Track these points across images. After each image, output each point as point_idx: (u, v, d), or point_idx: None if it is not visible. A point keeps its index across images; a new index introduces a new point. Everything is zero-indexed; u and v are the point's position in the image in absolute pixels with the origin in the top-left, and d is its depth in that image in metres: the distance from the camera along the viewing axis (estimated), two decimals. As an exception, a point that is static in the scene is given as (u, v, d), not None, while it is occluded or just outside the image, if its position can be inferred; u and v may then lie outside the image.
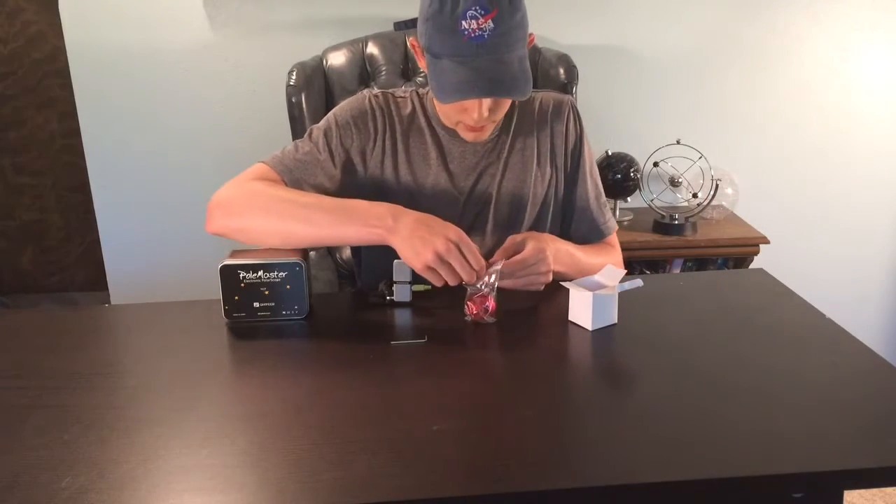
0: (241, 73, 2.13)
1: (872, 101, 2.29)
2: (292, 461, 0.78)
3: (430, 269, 1.07)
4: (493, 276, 1.11)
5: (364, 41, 1.76)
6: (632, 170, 2.13)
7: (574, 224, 1.40)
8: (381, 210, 1.11)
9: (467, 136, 1.27)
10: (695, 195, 2.13)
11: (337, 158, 1.27)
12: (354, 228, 1.11)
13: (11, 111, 3.03)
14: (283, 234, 1.15)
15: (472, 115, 1.18)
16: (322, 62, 1.74)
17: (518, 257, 1.16)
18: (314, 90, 1.68)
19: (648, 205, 2.15)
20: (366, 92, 1.33)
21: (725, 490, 0.77)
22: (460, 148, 1.31)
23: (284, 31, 2.09)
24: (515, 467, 0.77)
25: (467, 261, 1.07)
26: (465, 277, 1.07)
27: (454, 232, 1.08)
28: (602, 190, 1.41)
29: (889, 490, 2.09)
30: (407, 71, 1.76)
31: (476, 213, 1.33)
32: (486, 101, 1.15)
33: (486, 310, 1.10)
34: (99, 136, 2.15)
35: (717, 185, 2.11)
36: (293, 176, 1.23)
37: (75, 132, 2.43)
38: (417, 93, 1.34)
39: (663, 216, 2.11)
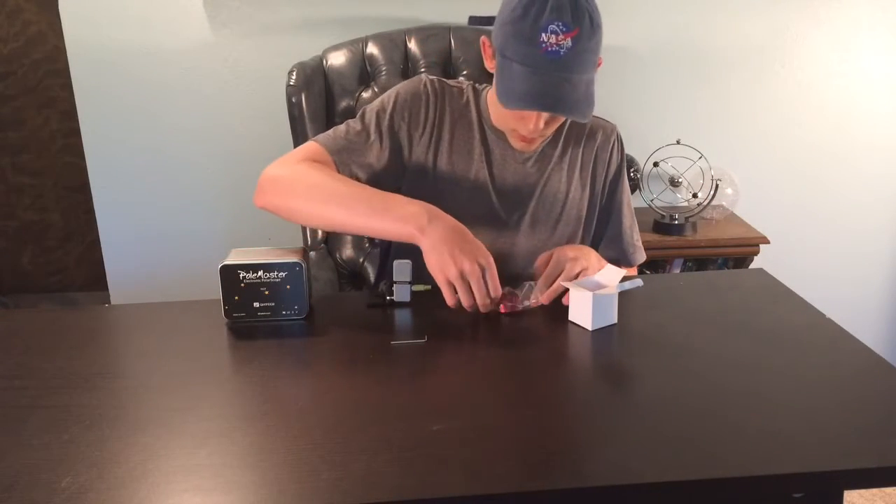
0: (241, 73, 2.12)
1: (872, 100, 2.29)
2: (292, 461, 0.78)
3: (449, 283, 1.08)
4: (530, 295, 1.15)
5: (364, 41, 1.76)
6: (632, 170, 2.13)
7: (602, 249, 1.41)
8: (417, 209, 1.11)
9: (517, 144, 1.28)
10: (695, 195, 2.13)
11: (385, 140, 1.27)
12: (388, 222, 1.12)
13: (11, 111, 3.02)
14: (324, 219, 1.18)
15: (527, 126, 1.19)
16: (322, 62, 1.74)
17: (554, 270, 1.16)
18: (314, 90, 1.68)
19: (648, 205, 2.15)
20: (423, 76, 1.33)
21: (725, 490, 0.77)
22: (503, 152, 1.32)
23: (284, 31, 2.09)
24: (515, 467, 0.77)
25: (487, 288, 1.07)
26: (480, 304, 1.08)
27: (483, 256, 1.08)
28: (636, 221, 1.43)
29: (889, 490, 2.10)
30: (407, 71, 1.76)
31: (510, 216, 1.33)
32: (545, 115, 1.17)
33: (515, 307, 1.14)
34: (99, 136, 2.15)
35: (717, 185, 2.11)
36: (342, 157, 1.24)
37: (75, 132, 2.43)
38: (474, 87, 1.34)
39: (663, 216, 2.11)
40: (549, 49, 1.10)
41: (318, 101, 1.69)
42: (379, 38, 1.76)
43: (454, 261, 1.06)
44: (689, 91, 2.24)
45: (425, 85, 1.30)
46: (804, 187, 2.36)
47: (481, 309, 1.09)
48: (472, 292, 1.07)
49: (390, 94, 1.31)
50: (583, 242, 1.38)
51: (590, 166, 1.36)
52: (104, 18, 2.05)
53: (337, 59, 1.74)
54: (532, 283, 1.18)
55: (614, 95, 2.22)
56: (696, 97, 2.25)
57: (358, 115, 1.30)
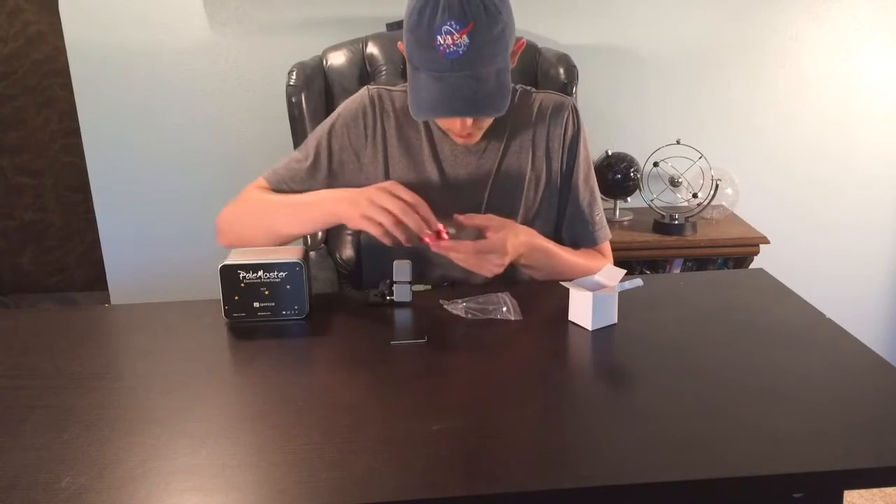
0: (241, 73, 2.13)
1: (872, 100, 2.29)
2: (292, 461, 0.78)
3: (365, 217, 1.11)
4: (502, 309, 1.15)
5: (364, 41, 1.76)
6: (632, 170, 2.13)
7: (564, 228, 1.38)
8: (345, 192, 1.18)
9: (457, 140, 1.28)
10: (695, 195, 2.13)
11: (333, 164, 1.31)
12: (317, 212, 1.20)
13: (11, 111, 3.03)
14: (274, 232, 1.25)
15: (456, 125, 1.20)
16: (322, 62, 1.74)
17: (479, 243, 1.15)
18: (314, 90, 1.68)
19: (648, 205, 2.15)
20: (365, 90, 1.34)
21: (725, 490, 0.77)
22: (452, 147, 1.31)
23: (284, 31, 2.09)
24: (515, 467, 0.77)
25: (403, 202, 1.10)
26: (399, 214, 1.09)
27: (407, 193, 1.11)
28: (598, 197, 1.40)
29: (889, 490, 2.09)
30: (407, 71, 1.76)
31: (468, 210, 1.30)
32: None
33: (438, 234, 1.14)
34: (99, 136, 2.15)
35: (717, 185, 2.11)
36: (281, 186, 1.30)
37: (75, 132, 2.43)
38: None
39: (663, 216, 2.11)
40: (448, 51, 1.09)
41: (318, 101, 1.69)
42: (379, 38, 1.76)
43: (360, 195, 1.11)
44: (689, 91, 2.24)
45: (363, 97, 1.32)
46: (804, 187, 2.36)
47: (411, 223, 1.09)
48: (390, 214, 1.09)
49: (333, 117, 1.33)
50: (547, 222, 1.36)
51: (544, 145, 1.34)
52: (104, 18, 2.05)
53: (337, 58, 1.74)
54: (504, 295, 1.18)
55: (614, 95, 2.22)
56: (696, 97, 2.25)
57: (303, 143, 1.34)
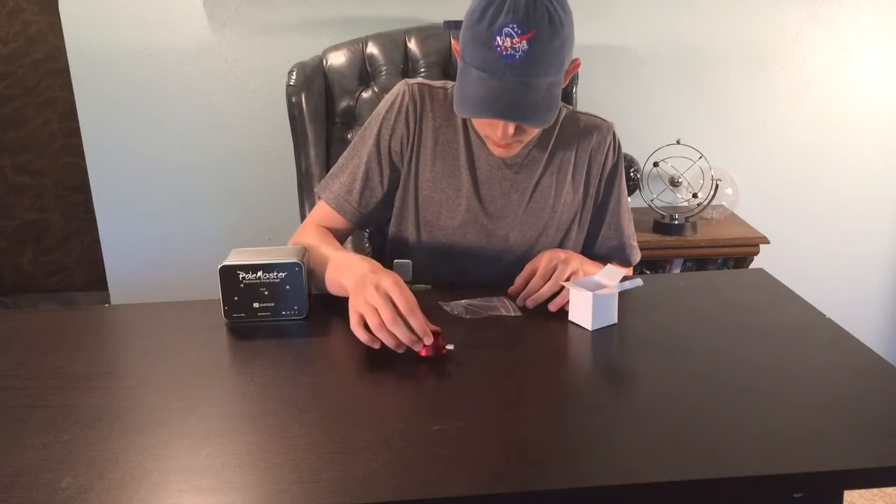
0: (241, 73, 2.13)
1: (872, 101, 2.29)
2: (292, 461, 0.78)
3: (356, 311, 1.00)
4: (500, 308, 1.15)
5: (364, 41, 1.76)
6: (632, 170, 2.13)
7: (596, 249, 1.38)
8: (358, 271, 1.07)
9: (494, 150, 1.25)
10: (695, 195, 2.13)
11: (385, 168, 1.29)
12: (334, 273, 1.14)
13: (11, 111, 3.02)
14: (323, 288, 1.18)
15: (496, 132, 1.16)
16: (322, 62, 1.74)
17: (530, 268, 1.16)
18: (314, 90, 1.68)
19: (648, 205, 2.15)
20: (403, 85, 1.30)
21: (725, 490, 0.77)
22: (489, 157, 1.29)
23: (284, 31, 2.09)
24: (516, 467, 0.77)
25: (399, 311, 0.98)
26: (387, 322, 0.97)
27: (391, 280, 1.01)
28: (632, 221, 1.41)
29: (889, 490, 2.09)
30: (407, 71, 1.76)
31: (498, 223, 1.31)
32: (511, 123, 1.14)
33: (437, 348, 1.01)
34: (99, 136, 2.15)
35: (717, 185, 2.11)
36: (350, 207, 1.29)
37: (75, 132, 2.43)
38: None
39: (663, 216, 2.11)
40: (505, 53, 1.07)
41: (317, 101, 1.69)
42: (379, 38, 1.76)
43: (367, 300, 0.99)
44: (689, 91, 2.24)
45: (404, 94, 1.28)
46: (804, 187, 2.36)
47: (404, 344, 0.99)
48: (391, 334, 0.98)
49: (377, 117, 1.30)
50: (576, 244, 1.36)
51: (584, 168, 1.33)
52: (104, 19, 2.05)
53: (337, 59, 1.74)
54: (502, 297, 1.18)
55: (614, 95, 2.22)
56: (696, 97, 2.25)
57: (352, 145, 1.31)
